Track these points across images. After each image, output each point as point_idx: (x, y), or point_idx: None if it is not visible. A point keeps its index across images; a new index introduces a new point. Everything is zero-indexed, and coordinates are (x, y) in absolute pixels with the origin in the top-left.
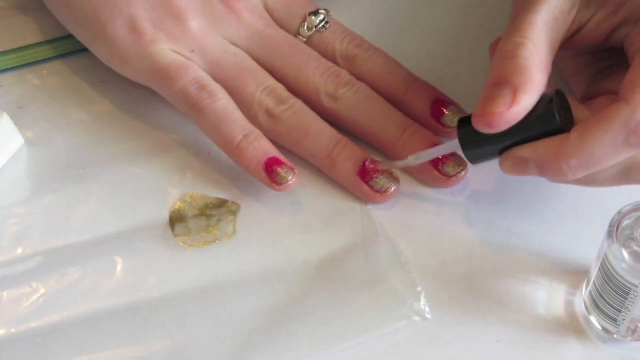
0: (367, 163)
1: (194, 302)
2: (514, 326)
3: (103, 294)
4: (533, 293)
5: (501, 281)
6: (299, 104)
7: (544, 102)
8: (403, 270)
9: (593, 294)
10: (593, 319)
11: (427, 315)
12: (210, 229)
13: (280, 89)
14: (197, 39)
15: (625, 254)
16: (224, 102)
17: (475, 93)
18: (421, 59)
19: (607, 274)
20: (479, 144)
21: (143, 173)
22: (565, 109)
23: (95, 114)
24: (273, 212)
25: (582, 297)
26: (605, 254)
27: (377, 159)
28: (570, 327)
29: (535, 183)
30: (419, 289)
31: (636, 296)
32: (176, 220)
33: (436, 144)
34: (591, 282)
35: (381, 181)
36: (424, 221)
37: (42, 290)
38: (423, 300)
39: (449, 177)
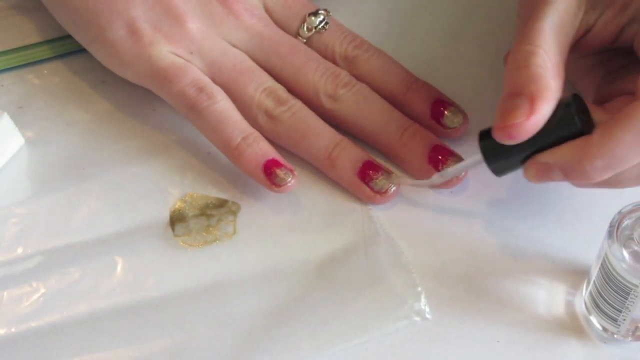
0: (371, 166)
1: (194, 302)
2: (514, 326)
3: (103, 293)
4: (533, 293)
5: (501, 281)
6: (298, 104)
7: (562, 107)
8: (403, 270)
9: (593, 293)
10: (593, 319)
11: (427, 315)
12: (211, 228)
13: (280, 89)
14: (195, 41)
15: (626, 253)
16: (222, 103)
17: (475, 93)
18: (421, 59)
19: (607, 274)
20: (502, 156)
21: (143, 173)
22: (584, 111)
23: (96, 113)
24: (273, 212)
25: (582, 297)
26: (606, 253)
27: (377, 159)
28: (571, 327)
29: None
30: (419, 288)
31: (636, 296)
32: (176, 220)
33: (436, 145)
34: (591, 282)
35: (381, 182)
36: (424, 221)
37: (42, 290)
38: (423, 300)
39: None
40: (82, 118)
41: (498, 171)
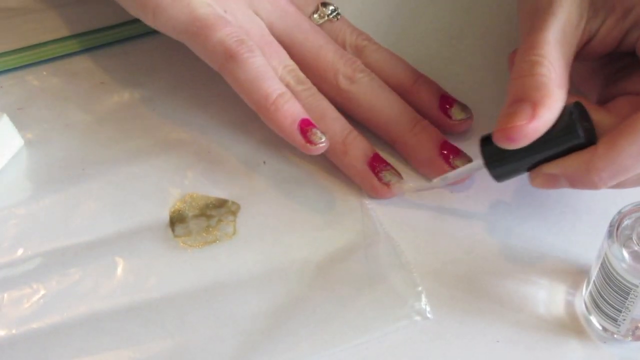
0: (379, 159)
1: (194, 303)
2: (514, 326)
3: (103, 294)
4: (533, 293)
5: (502, 281)
6: (315, 88)
7: (564, 116)
8: (403, 270)
9: (593, 293)
10: (593, 319)
11: (428, 315)
12: (211, 229)
13: (298, 70)
14: (228, 2)
15: (625, 253)
16: (261, 59)
17: (476, 93)
18: (421, 59)
19: (607, 274)
20: (503, 162)
21: (143, 173)
22: (586, 120)
23: (95, 114)
24: (273, 212)
25: (582, 297)
26: (606, 253)
27: (382, 155)
28: (571, 327)
29: None
30: (420, 288)
31: (636, 296)
32: (176, 220)
33: (444, 142)
34: (591, 282)
35: (388, 175)
36: (425, 221)
37: (43, 291)
38: (424, 300)
39: None
40: (81, 119)
41: (499, 177)
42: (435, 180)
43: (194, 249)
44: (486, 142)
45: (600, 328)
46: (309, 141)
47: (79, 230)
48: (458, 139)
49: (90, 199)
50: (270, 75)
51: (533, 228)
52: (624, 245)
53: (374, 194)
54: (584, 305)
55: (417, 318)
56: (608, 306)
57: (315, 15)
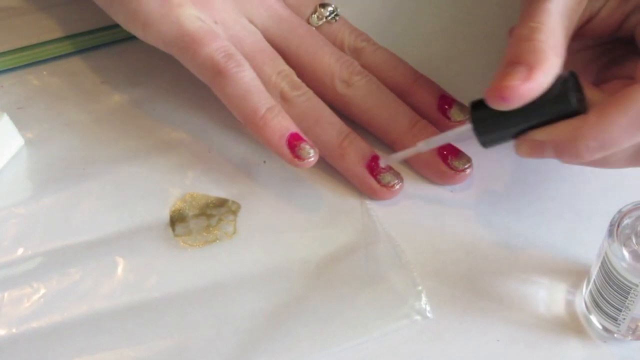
0: (378, 160)
1: (195, 302)
2: (514, 325)
3: (104, 294)
4: (533, 292)
5: (502, 280)
6: (310, 92)
7: (557, 84)
8: (404, 269)
9: (593, 293)
10: (593, 318)
11: (428, 314)
12: (211, 228)
13: (294, 75)
14: (220, 11)
15: (626, 252)
16: (250, 73)
17: (475, 93)
18: (421, 59)
19: (607, 273)
20: (493, 127)
21: (143, 173)
22: (579, 90)
23: (95, 114)
24: (273, 212)
25: (582, 296)
26: (606, 252)
27: (382, 155)
28: (571, 326)
29: (536, 181)
30: (420, 288)
31: (636, 295)
32: (176, 220)
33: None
34: (591, 281)
35: (387, 177)
36: (425, 220)
37: (43, 291)
38: (424, 299)
39: (457, 171)
40: (81, 118)
41: (486, 143)
42: (420, 144)
43: (194, 248)
44: (476, 107)
45: (601, 327)
46: (297, 156)
47: (79, 230)
48: None
49: (90, 199)
50: (259, 89)
51: (533, 228)
52: (624, 244)
53: (373, 196)
54: (584, 305)
55: (417, 317)
56: (608, 305)
57: (314, 17)
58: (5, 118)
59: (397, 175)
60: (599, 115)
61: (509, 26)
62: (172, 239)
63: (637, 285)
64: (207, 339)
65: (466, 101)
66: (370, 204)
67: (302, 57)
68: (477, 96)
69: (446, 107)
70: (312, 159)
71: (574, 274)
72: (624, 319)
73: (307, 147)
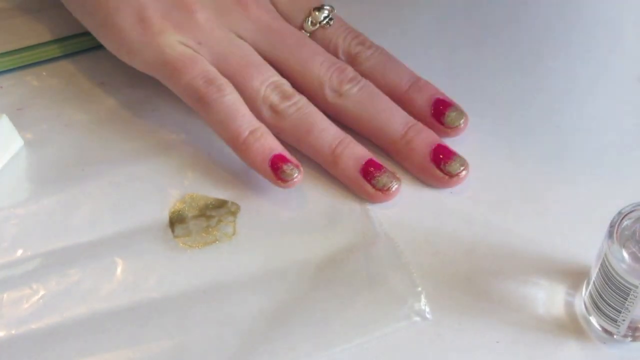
0: (373, 164)
1: (194, 303)
2: (513, 326)
3: (103, 295)
4: (533, 293)
5: (501, 281)
6: (303, 100)
7: None
8: (403, 270)
9: (593, 294)
10: (593, 320)
11: (428, 315)
12: (210, 229)
13: (285, 84)
14: (204, 31)
15: (625, 254)
16: (231, 97)
17: (475, 94)
18: (421, 59)
19: (606, 275)
20: None
21: (143, 174)
22: None
23: (95, 115)
24: (273, 213)
25: (581, 298)
26: (605, 254)
27: (379, 158)
28: (570, 327)
29: (535, 182)
30: (419, 288)
31: (636, 296)
32: (176, 221)
33: (439, 144)
34: (591, 283)
35: (383, 180)
36: (424, 221)
37: (42, 292)
38: (423, 300)
39: (451, 176)
40: (81, 119)
41: None
42: None
43: (194, 249)
44: None
45: (600, 329)
46: (280, 179)
47: (78, 231)
48: (458, 138)
49: (89, 200)
50: (241, 113)
51: (533, 228)
52: (624, 245)
53: (370, 200)
54: (583, 306)
55: (417, 318)
56: (608, 307)
57: (308, 22)
58: (5, 119)
59: (394, 176)
60: None
61: (508, 26)
62: (172, 240)
63: (636, 287)
64: (206, 340)
65: (465, 102)
66: (370, 205)
67: (292, 68)
68: (476, 97)
69: (441, 111)
70: (296, 179)
71: (574, 275)
72: (624, 320)
73: (289, 169)
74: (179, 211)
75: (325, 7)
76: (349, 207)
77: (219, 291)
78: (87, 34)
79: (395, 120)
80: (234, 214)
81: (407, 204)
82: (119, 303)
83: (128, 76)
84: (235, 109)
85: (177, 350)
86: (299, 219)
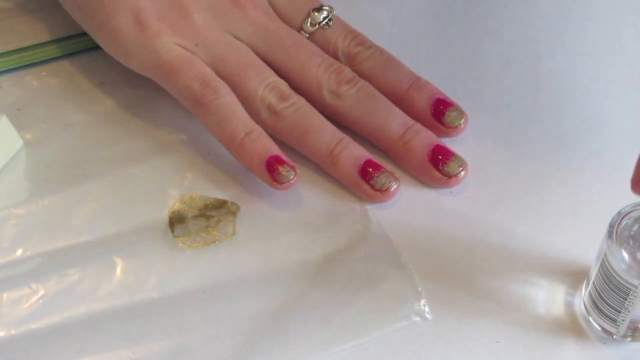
0: (372, 164)
1: (194, 303)
2: (513, 326)
3: (103, 295)
4: (533, 293)
5: (501, 281)
6: (301, 101)
7: None
8: (403, 270)
9: (592, 294)
10: (592, 320)
11: (427, 316)
12: (210, 229)
13: (283, 85)
14: (201, 33)
15: (625, 254)
16: (227, 98)
17: (475, 93)
18: (421, 59)
19: (606, 274)
20: None
21: (142, 174)
22: None
23: (94, 115)
24: (272, 213)
25: (581, 298)
26: (605, 254)
27: (377, 158)
28: (570, 327)
29: (535, 182)
30: (419, 289)
31: (635, 296)
32: (175, 221)
33: (438, 145)
34: (590, 283)
35: (382, 180)
36: (424, 221)
37: (42, 292)
38: (423, 301)
39: (449, 177)
40: (80, 119)
41: None
42: None
43: (194, 249)
44: None
45: (600, 329)
46: (276, 180)
47: (78, 231)
48: (458, 139)
49: (89, 200)
50: (237, 114)
51: (532, 228)
52: (623, 245)
53: (369, 200)
54: (583, 306)
55: (417, 318)
56: (607, 307)
57: (307, 23)
58: (4, 119)
59: (393, 177)
60: None
61: (508, 26)
62: (171, 240)
63: (636, 287)
64: (206, 340)
65: (465, 102)
66: (369, 205)
67: (289, 70)
68: (476, 97)
69: (441, 111)
70: (292, 181)
71: (573, 275)
72: (624, 320)
73: (285, 170)
74: (179, 211)
75: (324, 8)
76: (348, 207)
77: (218, 291)
78: (86, 34)
79: (393, 121)
80: (233, 214)
81: (407, 204)
82: (119, 303)
83: (128, 76)
84: (232, 110)
85: (177, 350)
86: (299, 219)
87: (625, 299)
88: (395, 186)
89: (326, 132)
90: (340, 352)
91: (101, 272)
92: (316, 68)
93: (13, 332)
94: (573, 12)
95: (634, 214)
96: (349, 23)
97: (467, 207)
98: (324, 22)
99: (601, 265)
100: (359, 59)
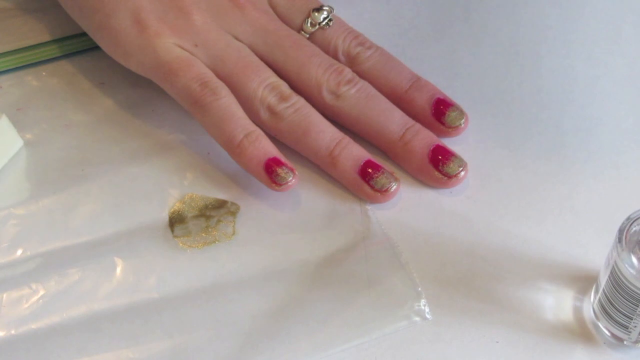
0: (371, 164)
1: (194, 303)
2: (513, 327)
3: (103, 295)
4: (533, 294)
5: (501, 282)
6: (301, 101)
7: None
8: (403, 271)
9: (602, 301)
10: (602, 325)
11: (427, 316)
12: (210, 229)
13: (283, 85)
14: (200, 33)
15: (635, 260)
16: (226, 100)
17: (475, 93)
18: (421, 59)
19: (617, 281)
20: None
21: (142, 174)
22: None
23: (94, 115)
24: (272, 213)
25: (585, 301)
26: (615, 260)
27: (377, 158)
28: (569, 328)
29: (536, 183)
30: (419, 289)
31: None
32: (175, 221)
33: (437, 145)
34: (600, 289)
35: (381, 180)
36: (424, 221)
37: (42, 292)
38: (423, 301)
39: (449, 177)
40: (80, 119)
41: None
42: None
43: (194, 249)
44: None
45: (609, 334)
46: (274, 182)
47: (78, 231)
48: (457, 139)
49: (89, 200)
50: (237, 116)
51: (532, 228)
52: (633, 251)
53: (369, 201)
54: (592, 312)
55: (417, 319)
56: (618, 313)
57: (307, 23)
58: (5, 119)
59: (392, 177)
60: None
61: (508, 26)
62: (171, 240)
63: None
64: (206, 340)
65: (465, 102)
66: (369, 205)
67: (289, 71)
68: (476, 97)
69: (442, 111)
70: (291, 183)
71: (573, 275)
72: (635, 326)
73: (284, 172)
74: (179, 211)
75: (324, 8)
76: (348, 207)
77: (218, 291)
78: (86, 34)
79: (393, 121)
80: (233, 214)
81: (407, 204)
82: (119, 303)
83: (128, 76)
84: (231, 112)
85: (177, 350)
86: (299, 219)
87: (637, 306)
88: (395, 186)
89: (326, 133)
90: (341, 352)
91: (101, 272)
92: (316, 68)
93: (13, 332)
94: (573, 12)
95: None
96: (349, 23)
97: (467, 207)
98: (324, 23)
99: (611, 272)
100: (359, 59)
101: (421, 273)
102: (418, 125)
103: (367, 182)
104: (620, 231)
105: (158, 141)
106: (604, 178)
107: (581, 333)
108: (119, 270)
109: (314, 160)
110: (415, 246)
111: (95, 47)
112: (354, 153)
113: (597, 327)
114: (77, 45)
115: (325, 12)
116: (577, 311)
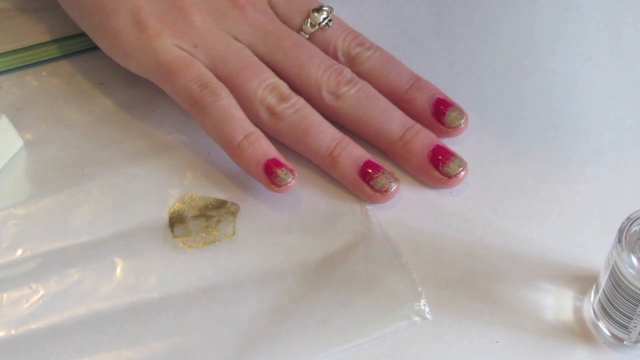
0: (371, 165)
1: (194, 303)
2: (513, 327)
3: (103, 295)
4: (533, 294)
5: (501, 282)
6: (300, 101)
7: None
8: (403, 271)
9: (602, 301)
10: (602, 325)
11: (427, 316)
12: (210, 229)
13: (282, 86)
14: (200, 34)
15: (635, 260)
16: (226, 101)
17: (475, 94)
18: (421, 59)
19: (617, 282)
20: None
21: (142, 174)
22: None
23: (94, 115)
24: (272, 213)
25: (585, 301)
26: (615, 261)
27: (377, 158)
28: (569, 328)
29: (536, 183)
30: (419, 289)
31: None
32: (175, 221)
33: (437, 145)
34: (600, 289)
35: (382, 180)
36: (424, 221)
37: (42, 292)
38: (423, 301)
39: (449, 177)
40: (80, 119)
41: None
42: None
43: (194, 249)
44: None
45: (609, 334)
46: (274, 183)
47: (78, 231)
48: (457, 139)
49: (89, 200)
50: (236, 117)
51: (532, 228)
52: (633, 251)
53: (369, 201)
54: (592, 312)
55: (417, 319)
56: (618, 314)
57: (307, 24)
58: (5, 119)
59: (392, 177)
60: None
61: (508, 26)
62: (171, 240)
63: None
64: (206, 340)
65: (465, 102)
66: (369, 205)
67: (288, 71)
68: (476, 96)
69: (442, 111)
70: (290, 184)
71: (573, 275)
72: (635, 326)
73: (283, 173)
74: (179, 211)
75: (324, 9)
76: (348, 208)
77: (218, 291)
78: (86, 34)
79: (393, 121)
80: (233, 214)
81: (407, 204)
82: (119, 303)
83: (127, 77)
84: (230, 113)
85: (177, 350)
86: (299, 219)
87: (637, 306)
88: (395, 187)
89: (326, 133)
90: (341, 352)
91: (101, 272)
92: (316, 69)
93: (13, 332)
94: (573, 12)
95: None
96: (349, 23)
97: (467, 207)
98: (323, 23)
99: (611, 272)
100: (359, 59)
101: (421, 273)
102: (418, 126)
103: (367, 182)
104: (620, 231)
105: (158, 141)
106: (604, 178)
107: (581, 333)
108: (119, 270)
109: (313, 160)
110: (415, 246)
111: (95, 47)
112: (354, 153)
113: (597, 327)
114: (76, 46)
115: (324, 13)
116: (577, 311)
